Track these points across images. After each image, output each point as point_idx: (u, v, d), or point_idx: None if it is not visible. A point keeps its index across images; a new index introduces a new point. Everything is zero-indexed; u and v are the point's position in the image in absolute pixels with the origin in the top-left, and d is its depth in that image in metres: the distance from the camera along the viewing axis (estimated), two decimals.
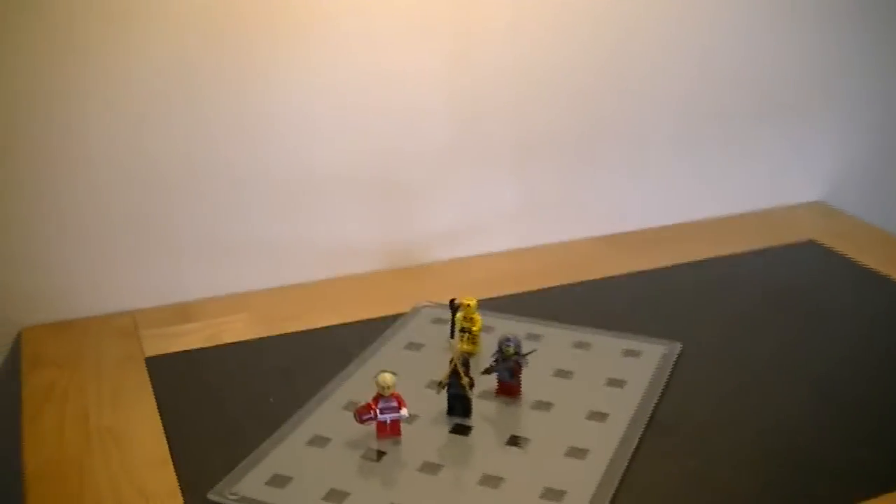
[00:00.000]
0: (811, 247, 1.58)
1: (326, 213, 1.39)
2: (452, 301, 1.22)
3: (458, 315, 1.21)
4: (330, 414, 1.05)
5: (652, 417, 1.03)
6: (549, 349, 1.24)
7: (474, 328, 1.23)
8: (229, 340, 1.30)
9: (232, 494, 0.90)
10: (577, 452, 0.97)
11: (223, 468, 0.93)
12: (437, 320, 1.23)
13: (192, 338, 1.31)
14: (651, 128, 1.65)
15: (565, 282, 1.46)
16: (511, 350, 1.11)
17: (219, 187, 1.31)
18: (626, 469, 0.93)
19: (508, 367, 1.12)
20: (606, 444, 0.97)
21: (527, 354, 1.12)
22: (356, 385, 1.14)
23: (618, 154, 1.64)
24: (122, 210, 1.37)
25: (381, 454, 0.97)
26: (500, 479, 0.92)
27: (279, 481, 0.92)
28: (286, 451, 0.97)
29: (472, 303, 1.21)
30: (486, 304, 1.30)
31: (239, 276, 1.45)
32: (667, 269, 1.44)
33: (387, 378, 1.03)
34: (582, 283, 1.46)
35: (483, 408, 1.05)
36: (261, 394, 1.08)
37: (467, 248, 1.56)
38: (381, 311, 1.36)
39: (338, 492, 0.91)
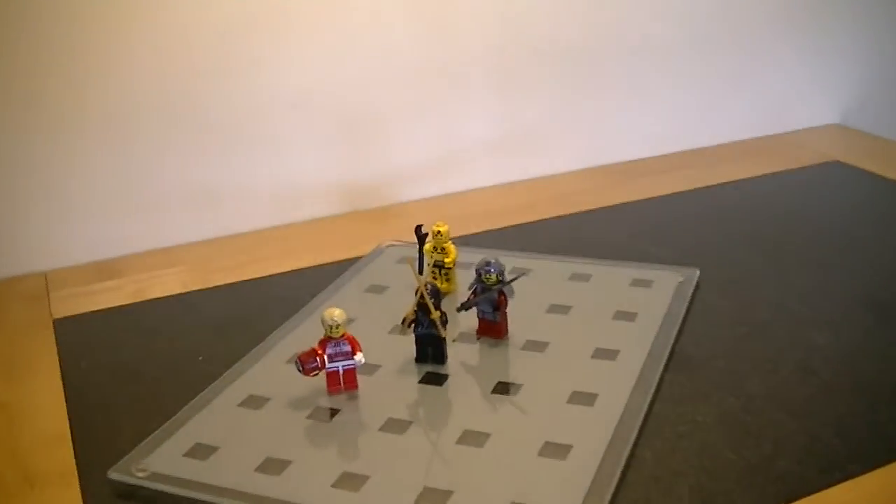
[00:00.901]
0: (833, 166, 1.41)
1: (274, 149, 1.29)
2: (419, 228, 0.99)
3: (427, 246, 0.99)
4: (269, 370, 0.89)
5: (672, 352, 0.89)
6: (540, 283, 1.03)
7: (447, 260, 1.01)
8: (156, 296, 1.11)
9: (140, 471, 0.75)
10: (583, 398, 0.82)
11: (134, 441, 0.79)
12: (405, 260, 1.01)
13: (111, 295, 1.13)
14: (653, 43, 1.46)
15: (555, 214, 1.23)
16: (493, 277, 0.89)
17: (143, 127, 1.21)
18: (647, 414, 0.80)
19: (491, 300, 0.90)
20: (619, 386, 0.83)
21: (512, 281, 0.90)
22: (303, 336, 0.94)
23: (614, 73, 1.46)
24: (31, 160, 1.18)
25: (333, 412, 0.82)
26: (485, 435, 0.77)
27: (201, 452, 0.77)
28: (212, 416, 0.83)
29: (444, 229, 1.00)
30: (463, 241, 1.07)
31: (171, 228, 1.27)
32: (673, 195, 1.34)
33: (334, 313, 0.82)
34: (574, 215, 1.25)
35: (461, 352, 0.90)
36: (189, 353, 0.95)
37: (440, 186, 1.34)
38: (338, 255, 1.16)
39: (276, 461, 0.76)
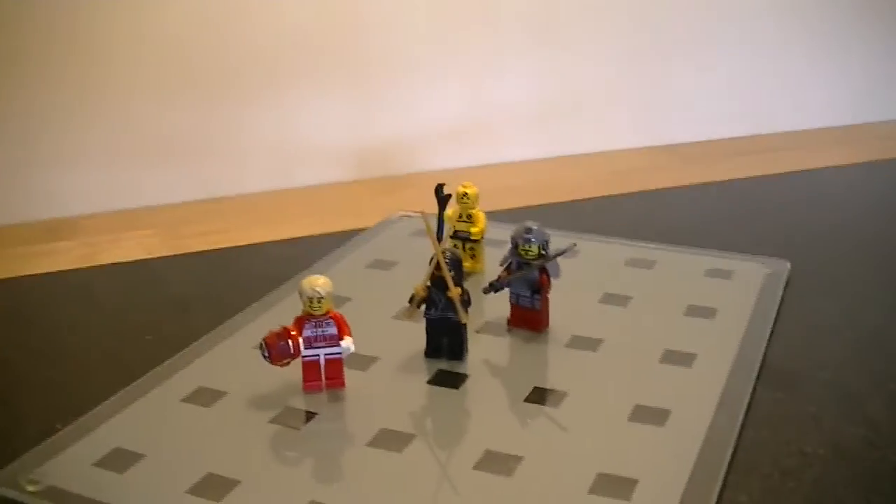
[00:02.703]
0: None
1: (272, 99, 1.09)
2: (440, 187, 0.77)
3: (450, 212, 0.77)
4: (229, 356, 0.70)
5: (765, 361, 0.68)
6: (591, 267, 0.81)
7: (474, 230, 0.79)
8: (110, 261, 0.90)
9: (31, 483, 0.55)
10: (649, 415, 0.61)
11: (34, 442, 0.60)
12: (419, 233, 0.84)
13: (57, 259, 0.93)
14: (727, 13, 1.23)
15: (608, 193, 1.01)
16: (534, 249, 0.67)
17: (116, 68, 1.02)
18: (737, 442, 0.59)
19: (530, 280, 0.70)
20: (698, 401, 0.62)
21: (559, 255, 0.67)
22: (281, 316, 0.70)
23: (680, 42, 1.23)
24: None
25: (308, 416, 0.62)
26: (515, 458, 0.57)
27: (119, 461, 0.57)
28: (142, 413, 0.63)
29: (472, 191, 0.78)
30: (493, 217, 0.84)
31: (143, 185, 1.07)
32: (749, 180, 1.12)
33: (317, 282, 0.60)
34: (631, 195, 1.02)
35: (485, 346, 0.70)
36: (136, 332, 0.76)
37: (467, 157, 1.12)
38: (340, 226, 0.96)
39: (219, 480, 0.55)
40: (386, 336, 0.71)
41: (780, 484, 0.55)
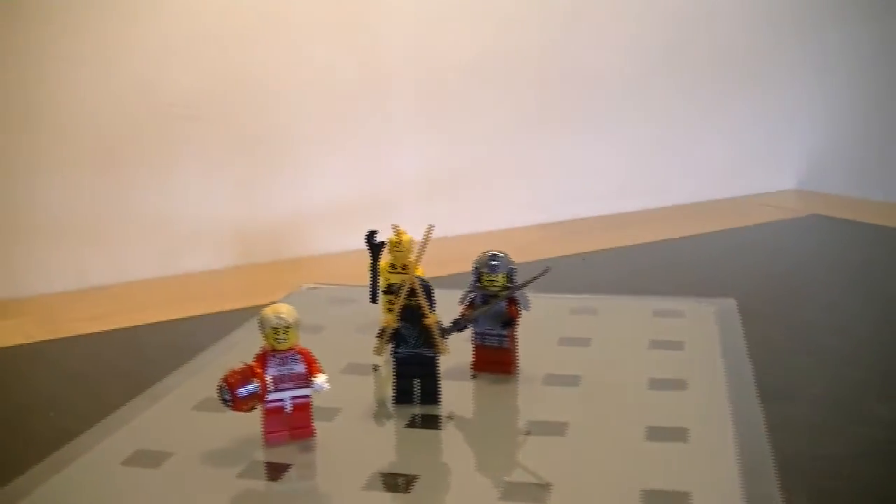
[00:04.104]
0: (814, 218, 1.23)
1: (153, 174, 0.99)
2: (372, 235, 0.70)
3: (383, 262, 0.70)
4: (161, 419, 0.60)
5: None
6: (537, 317, 0.73)
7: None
8: None
9: None
10: (667, 434, 0.55)
11: None
12: (338, 301, 0.84)
13: None
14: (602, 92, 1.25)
15: (530, 259, 0.96)
16: (500, 279, 0.60)
17: None
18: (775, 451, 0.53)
19: (497, 313, 0.61)
20: (712, 418, 0.57)
21: (529, 283, 0.61)
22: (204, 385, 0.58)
23: (574, 119, 1.24)
24: None
25: (275, 473, 0.51)
26: (545, 487, 0.49)
27: None
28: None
29: (406, 238, 0.70)
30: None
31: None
32: (658, 243, 1.12)
33: (280, 309, 0.51)
34: (540, 261, 0.96)
35: (455, 392, 0.62)
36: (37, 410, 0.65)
37: (356, 239, 1.05)
38: (242, 304, 0.84)
39: None
40: (341, 389, 0.62)
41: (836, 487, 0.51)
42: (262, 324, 0.53)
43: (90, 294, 0.94)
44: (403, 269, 0.74)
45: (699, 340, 0.71)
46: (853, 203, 1.33)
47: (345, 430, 0.56)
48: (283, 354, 0.53)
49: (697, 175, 1.35)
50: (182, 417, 0.58)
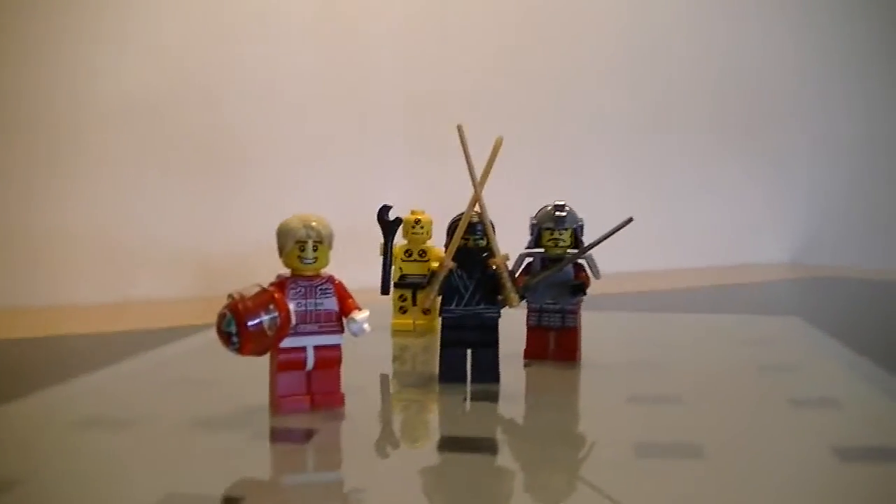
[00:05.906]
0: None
1: (98, 191, 0.88)
2: (385, 210, 0.56)
3: (397, 248, 0.56)
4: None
5: None
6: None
7: (434, 267, 0.57)
8: None
9: None
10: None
11: None
12: None
13: None
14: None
15: None
16: (564, 237, 0.47)
17: None
18: None
19: (563, 281, 0.48)
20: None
21: (605, 238, 0.48)
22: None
23: (560, 171, 1.13)
24: None
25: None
26: None
27: None
28: None
29: (426, 218, 0.57)
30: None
31: None
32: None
33: (311, 220, 0.36)
34: None
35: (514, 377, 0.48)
36: None
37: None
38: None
39: None
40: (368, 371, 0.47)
41: None
42: (285, 236, 0.38)
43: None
44: (421, 255, 0.61)
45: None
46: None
47: (374, 404, 0.41)
48: (310, 282, 0.38)
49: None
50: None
